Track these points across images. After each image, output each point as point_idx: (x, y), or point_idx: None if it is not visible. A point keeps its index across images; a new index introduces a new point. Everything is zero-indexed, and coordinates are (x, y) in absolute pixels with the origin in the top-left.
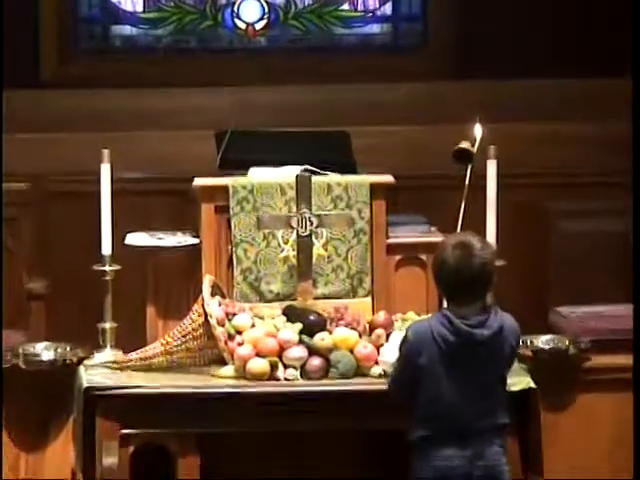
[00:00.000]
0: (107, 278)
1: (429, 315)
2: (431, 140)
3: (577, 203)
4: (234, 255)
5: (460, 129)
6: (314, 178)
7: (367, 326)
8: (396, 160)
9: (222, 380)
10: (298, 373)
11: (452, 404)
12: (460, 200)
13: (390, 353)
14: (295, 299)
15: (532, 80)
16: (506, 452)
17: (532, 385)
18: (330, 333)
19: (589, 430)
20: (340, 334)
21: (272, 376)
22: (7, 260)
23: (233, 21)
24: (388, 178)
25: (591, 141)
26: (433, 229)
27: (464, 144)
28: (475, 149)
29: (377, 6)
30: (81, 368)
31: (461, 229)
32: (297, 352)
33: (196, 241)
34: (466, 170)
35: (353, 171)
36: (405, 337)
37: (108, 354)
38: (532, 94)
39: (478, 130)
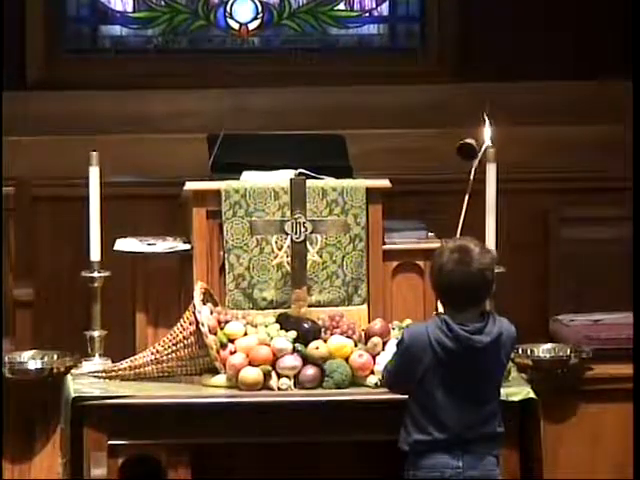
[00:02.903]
0: (95, 285)
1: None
2: (429, 144)
3: (579, 209)
4: (226, 261)
5: (459, 132)
6: (309, 182)
7: (363, 334)
8: (393, 164)
9: (214, 390)
10: (292, 383)
11: (447, 412)
12: (460, 203)
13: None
14: (289, 307)
15: (531, 82)
16: (499, 462)
17: (532, 395)
18: (325, 342)
19: (592, 442)
20: (335, 343)
21: (265, 386)
22: None
23: (226, 21)
24: (384, 182)
25: (594, 145)
26: (431, 235)
27: (468, 139)
28: (482, 150)
29: (374, 6)
30: (68, 377)
31: (462, 227)
32: (291, 361)
33: (187, 247)
34: (470, 166)
35: (348, 175)
36: (402, 340)
37: (96, 363)
38: (531, 96)
39: (487, 131)
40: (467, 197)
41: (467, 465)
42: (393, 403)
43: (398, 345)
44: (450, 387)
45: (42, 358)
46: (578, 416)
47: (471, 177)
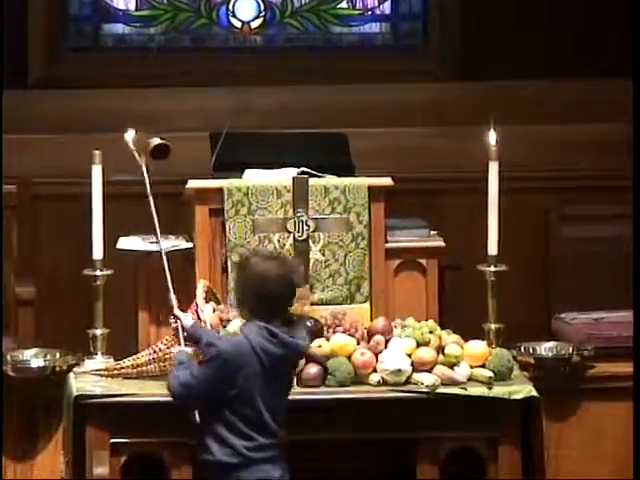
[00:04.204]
0: (98, 283)
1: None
2: (431, 142)
3: (579, 207)
4: (229, 259)
5: (461, 130)
6: (311, 180)
7: (365, 332)
8: (395, 162)
9: None
10: (294, 381)
11: (268, 419)
12: (460, 203)
13: (389, 360)
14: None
15: (533, 81)
16: None
17: (534, 393)
18: (327, 340)
19: (593, 440)
20: (338, 341)
21: None
22: None
23: (228, 19)
24: (386, 181)
25: (594, 144)
26: (433, 233)
27: (157, 140)
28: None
29: (376, 4)
30: (71, 375)
31: (160, 231)
32: None
33: (190, 245)
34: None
35: (351, 174)
36: (219, 354)
37: (99, 361)
38: (532, 95)
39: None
40: (151, 199)
41: (283, 473)
42: (395, 401)
43: (212, 359)
44: (269, 393)
45: (44, 356)
46: (580, 414)
47: (145, 176)
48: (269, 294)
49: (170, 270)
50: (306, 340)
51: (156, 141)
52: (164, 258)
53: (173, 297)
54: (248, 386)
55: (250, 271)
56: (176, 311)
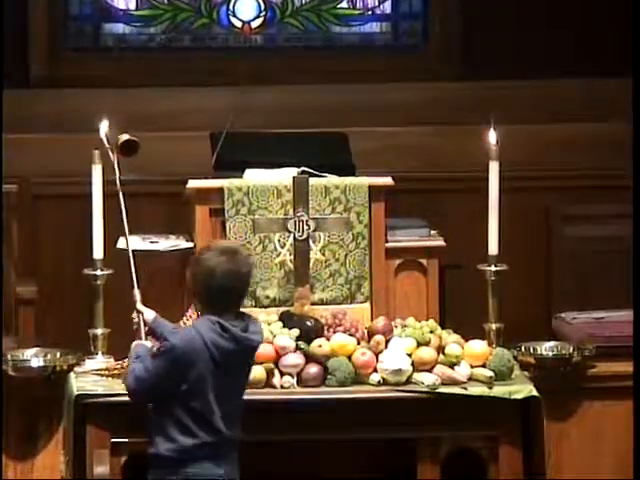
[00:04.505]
0: (98, 283)
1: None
2: (431, 142)
3: (580, 207)
4: None
5: (461, 130)
6: (311, 180)
7: (366, 332)
8: (395, 162)
9: None
10: (294, 381)
11: (218, 415)
12: (461, 202)
13: (389, 360)
14: (292, 304)
15: (532, 80)
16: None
17: (535, 393)
18: (328, 340)
19: (594, 439)
20: (338, 341)
21: (268, 383)
22: None
23: (229, 19)
24: (387, 180)
25: (595, 143)
26: (433, 232)
27: (126, 136)
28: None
29: (376, 4)
30: (71, 375)
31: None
32: (294, 359)
33: (190, 245)
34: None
35: (351, 173)
36: (172, 347)
37: (99, 361)
38: (534, 95)
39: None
40: (121, 196)
41: (228, 472)
42: (395, 401)
43: (164, 352)
44: (221, 388)
45: (45, 356)
46: (581, 414)
47: (117, 173)
48: (220, 289)
49: (135, 265)
50: (259, 335)
51: (125, 137)
52: (130, 254)
53: (137, 292)
54: (199, 381)
55: (202, 265)
56: (139, 305)
